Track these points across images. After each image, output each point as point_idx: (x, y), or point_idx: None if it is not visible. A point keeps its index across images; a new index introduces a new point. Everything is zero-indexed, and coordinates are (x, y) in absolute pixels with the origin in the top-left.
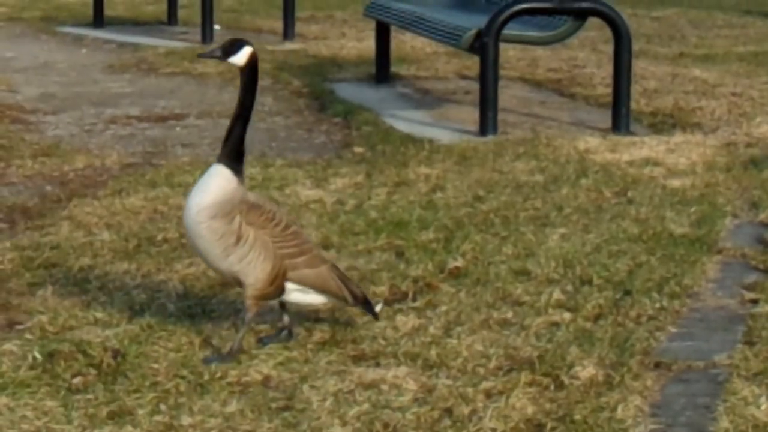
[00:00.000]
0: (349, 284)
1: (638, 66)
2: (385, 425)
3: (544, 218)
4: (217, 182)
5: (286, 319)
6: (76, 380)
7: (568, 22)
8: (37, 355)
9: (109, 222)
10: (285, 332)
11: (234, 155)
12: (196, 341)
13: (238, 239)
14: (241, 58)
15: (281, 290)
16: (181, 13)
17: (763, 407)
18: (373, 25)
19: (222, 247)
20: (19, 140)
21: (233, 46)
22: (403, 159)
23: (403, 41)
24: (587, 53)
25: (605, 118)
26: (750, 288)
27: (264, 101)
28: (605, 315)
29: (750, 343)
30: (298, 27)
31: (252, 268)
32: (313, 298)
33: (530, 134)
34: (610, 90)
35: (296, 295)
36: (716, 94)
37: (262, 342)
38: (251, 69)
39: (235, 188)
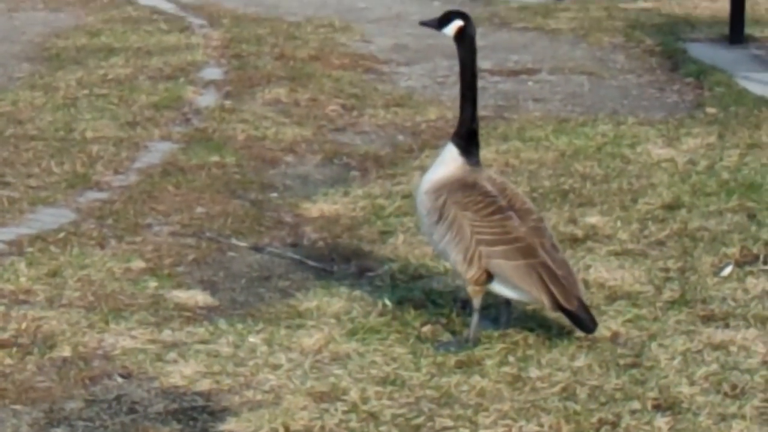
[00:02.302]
0: (558, 287)
1: None
2: (733, 386)
3: None
4: (441, 160)
5: (502, 314)
6: (426, 329)
7: None
8: (388, 303)
9: None
10: (465, 338)
11: (465, 134)
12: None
13: (440, 217)
14: (450, 29)
15: (488, 277)
16: None
17: None
18: None
19: (428, 223)
20: (372, 90)
21: (447, 18)
22: (756, 121)
23: (758, 2)
24: None
25: None
26: None
27: (616, 59)
28: None
29: None
30: None
31: (450, 248)
32: (513, 293)
33: None
34: None
35: (498, 285)
36: None
37: (435, 347)
38: (462, 42)
39: (457, 167)
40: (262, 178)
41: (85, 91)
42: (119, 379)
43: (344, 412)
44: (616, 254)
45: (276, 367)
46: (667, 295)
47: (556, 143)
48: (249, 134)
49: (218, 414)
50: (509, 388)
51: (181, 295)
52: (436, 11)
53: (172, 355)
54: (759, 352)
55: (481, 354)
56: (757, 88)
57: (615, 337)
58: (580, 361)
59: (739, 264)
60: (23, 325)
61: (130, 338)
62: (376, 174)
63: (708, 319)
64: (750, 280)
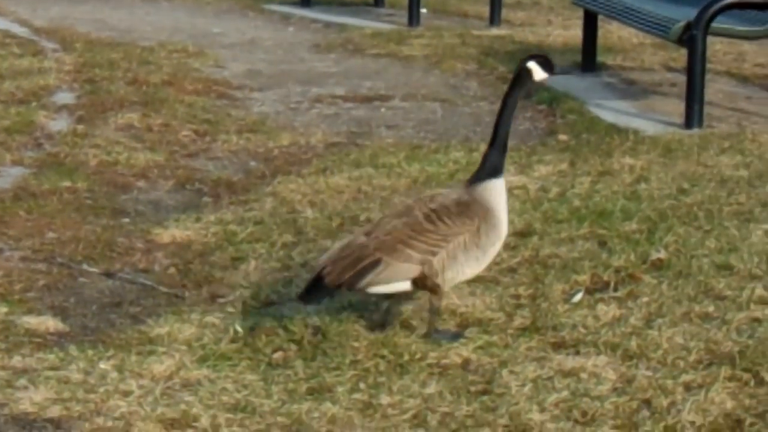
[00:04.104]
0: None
1: None
2: (583, 413)
3: (748, 213)
4: None
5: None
6: (277, 355)
7: None
8: (239, 329)
9: (313, 200)
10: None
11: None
12: (396, 322)
13: None
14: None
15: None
16: None
17: None
18: (579, 13)
19: None
20: (225, 115)
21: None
22: (608, 149)
23: (610, 31)
24: None
25: None
26: None
27: (469, 86)
28: None
29: None
30: (505, 13)
31: None
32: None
33: (736, 129)
34: None
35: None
36: None
37: (433, 337)
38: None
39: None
40: (113, 204)
41: None
42: None
43: None
44: (468, 281)
45: (127, 393)
46: (518, 321)
47: (408, 170)
48: (101, 159)
49: None
50: (360, 415)
51: (32, 321)
52: (291, 36)
53: (23, 381)
54: (609, 379)
55: (333, 381)
56: (608, 116)
57: (466, 364)
58: (431, 388)
59: (589, 291)
60: None
61: None
62: (229, 200)
63: (559, 346)
64: (600, 307)
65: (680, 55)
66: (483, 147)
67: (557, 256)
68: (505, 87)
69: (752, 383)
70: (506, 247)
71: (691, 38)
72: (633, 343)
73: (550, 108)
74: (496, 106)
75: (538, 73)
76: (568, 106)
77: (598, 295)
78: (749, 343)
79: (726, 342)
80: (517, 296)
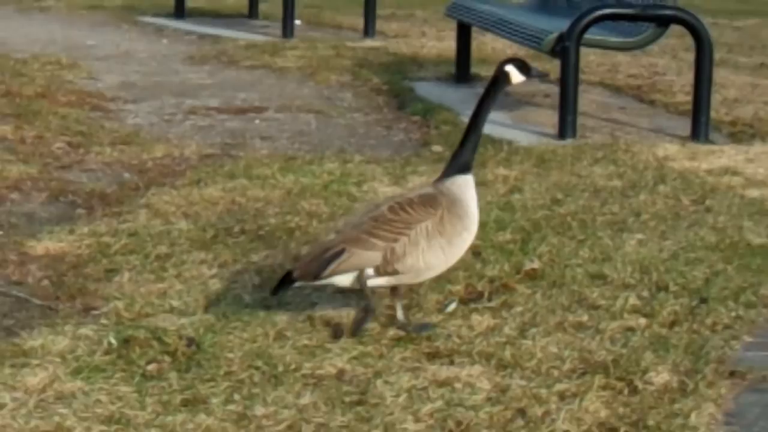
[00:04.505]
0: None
1: (719, 75)
2: (458, 423)
3: (621, 223)
4: None
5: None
6: (151, 367)
7: (650, 28)
8: (113, 341)
9: (187, 211)
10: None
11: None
12: (271, 333)
13: None
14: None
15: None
16: (263, 7)
17: None
18: (453, 24)
19: None
20: (99, 127)
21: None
22: (482, 159)
23: (484, 42)
24: (667, 60)
25: (684, 126)
26: None
27: (344, 97)
28: (680, 322)
29: None
30: (379, 24)
31: None
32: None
33: (609, 139)
34: (689, 98)
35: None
36: None
37: (414, 330)
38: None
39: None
40: None
41: None
42: None
43: None
44: (342, 291)
45: (0, 406)
46: (392, 332)
47: (282, 181)
48: None
49: None
50: (234, 426)
51: None
52: (165, 48)
53: None
54: (484, 389)
55: (207, 392)
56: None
57: (341, 374)
58: (306, 399)
59: (463, 301)
60: None
61: None
62: (102, 212)
63: (433, 356)
64: (475, 317)
65: (553, 66)
66: (357, 158)
67: None
68: (380, 98)
69: (626, 392)
70: None
71: (564, 50)
72: (507, 353)
73: (425, 119)
74: (371, 117)
75: (516, 76)
76: (442, 117)
77: (472, 305)
78: (623, 352)
79: (600, 351)
80: (392, 307)
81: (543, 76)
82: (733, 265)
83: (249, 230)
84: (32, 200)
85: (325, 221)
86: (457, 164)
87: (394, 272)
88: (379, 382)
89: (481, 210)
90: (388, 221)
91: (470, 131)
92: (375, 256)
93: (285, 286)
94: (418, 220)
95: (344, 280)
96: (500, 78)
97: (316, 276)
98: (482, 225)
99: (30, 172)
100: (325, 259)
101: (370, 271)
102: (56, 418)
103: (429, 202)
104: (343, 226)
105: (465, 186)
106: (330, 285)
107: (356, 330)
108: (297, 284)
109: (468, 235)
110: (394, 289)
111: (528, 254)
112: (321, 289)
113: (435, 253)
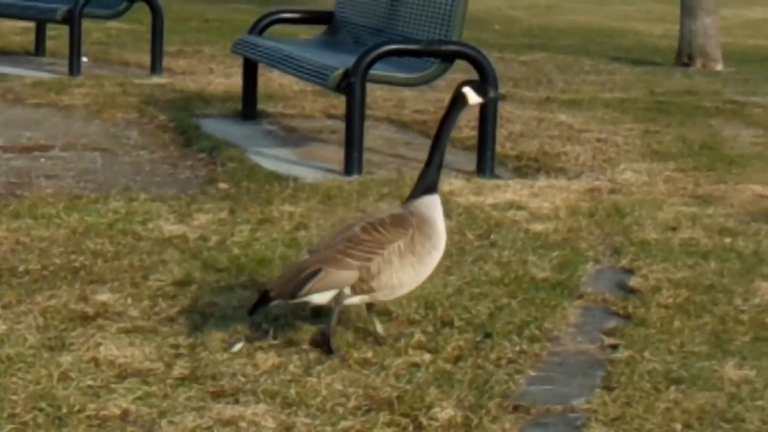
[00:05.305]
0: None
1: (504, 109)
2: None
3: None
4: None
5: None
6: None
7: (435, 64)
8: None
9: None
10: None
11: None
12: (55, 374)
13: None
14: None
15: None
16: (49, 44)
17: None
18: (241, 61)
19: None
20: None
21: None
22: (268, 196)
23: (271, 78)
24: None
25: (470, 161)
26: (610, 333)
27: (130, 135)
28: (465, 357)
29: (608, 388)
30: (166, 61)
31: None
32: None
33: (395, 175)
34: (475, 133)
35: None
36: (581, 139)
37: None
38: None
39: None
40: None
41: None
42: None
43: None
44: (127, 331)
45: None
46: (177, 371)
47: (67, 220)
48: None
49: None
50: None
51: None
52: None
53: None
54: (269, 427)
55: None
56: (269, 164)
57: (125, 415)
58: None
59: (249, 340)
60: None
61: None
62: None
63: (218, 395)
64: (260, 355)
65: (340, 102)
66: (143, 196)
67: (216, 305)
68: (166, 136)
69: (411, 428)
70: (165, 296)
71: (349, 86)
72: (292, 391)
73: (211, 156)
74: (157, 155)
75: (473, 98)
76: (228, 154)
77: (257, 344)
78: (407, 388)
79: (384, 387)
80: (177, 346)
81: (501, 99)
82: (518, 299)
83: (33, 270)
84: None
85: (110, 260)
86: (424, 185)
87: (370, 290)
88: (164, 422)
89: (267, 247)
90: (361, 241)
91: (434, 152)
92: (350, 275)
93: (262, 305)
94: (391, 240)
95: (321, 298)
96: (458, 99)
97: (293, 295)
98: (268, 262)
99: None
100: (302, 278)
101: (347, 290)
102: None
103: (400, 222)
104: (317, 246)
105: (432, 206)
106: (306, 303)
107: (329, 348)
108: (274, 303)
109: (437, 253)
110: (369, 306)
111: None
112: (102, 328)
113: (407, 271)
